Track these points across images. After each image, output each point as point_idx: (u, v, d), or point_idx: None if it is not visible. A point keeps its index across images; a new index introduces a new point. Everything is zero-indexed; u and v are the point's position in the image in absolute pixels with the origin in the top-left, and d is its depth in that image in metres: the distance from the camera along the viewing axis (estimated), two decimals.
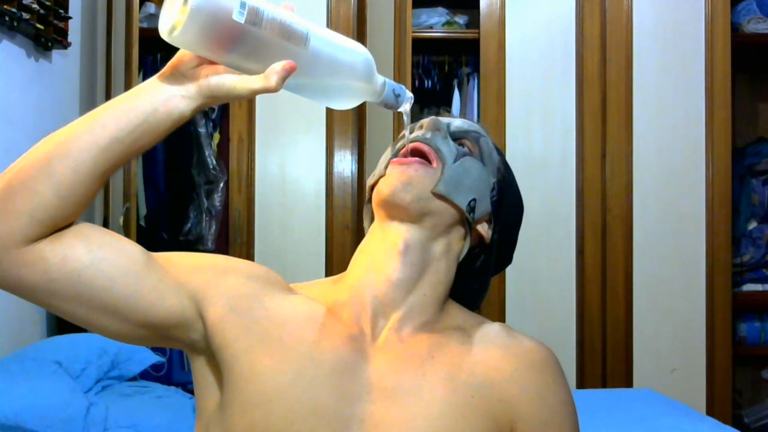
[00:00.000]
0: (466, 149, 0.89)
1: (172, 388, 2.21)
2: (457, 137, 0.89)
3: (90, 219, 2.80)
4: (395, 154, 0.87)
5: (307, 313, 0.84)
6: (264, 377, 0.78)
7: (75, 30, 2.59)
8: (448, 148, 0.86)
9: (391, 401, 0.79)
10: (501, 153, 0.96)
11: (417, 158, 0.84)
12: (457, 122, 0.92)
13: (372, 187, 0.87)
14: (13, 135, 2.23)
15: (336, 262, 2.78)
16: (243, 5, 0.65)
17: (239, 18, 0.65)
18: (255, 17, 0.66)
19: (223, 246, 2.99)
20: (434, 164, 0.84)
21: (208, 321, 0.80)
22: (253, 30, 0.67)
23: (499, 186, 0.93)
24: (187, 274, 0.80)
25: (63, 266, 0.71)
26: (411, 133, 0.89)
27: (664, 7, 2.85)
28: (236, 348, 0.79)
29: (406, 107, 0.82)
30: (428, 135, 0.86)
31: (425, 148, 0.85)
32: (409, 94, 0.82)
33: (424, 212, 0.83)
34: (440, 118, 0.90)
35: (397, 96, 0.80)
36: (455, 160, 0.85)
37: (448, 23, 3.08)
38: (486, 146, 0.91)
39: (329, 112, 2.83)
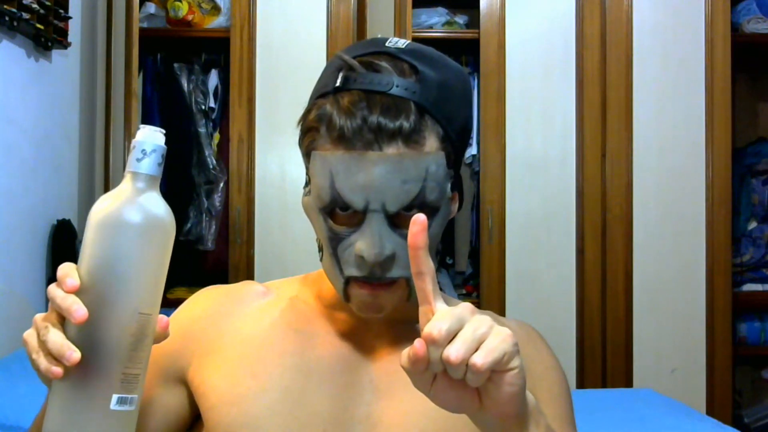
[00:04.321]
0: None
1: None
2: (408, 209, 0.74)
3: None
4: (353, 274, 0.75)
5: (286, 323, 0.83)
6: (248, 399, 0.78)
7: (75, 30, 2.59)
8: (405, 252, 0.70)
9: (387, 400, 0.79)
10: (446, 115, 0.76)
11: (381, 286, 0.75)
12: (391, 194, 0.72)
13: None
14: (13, 135, 2.23)
15: None
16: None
17: None
18: None
19: (223, 246, 2.99)
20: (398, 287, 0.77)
21: (193, 381, 0.83)
22: None
23: (452, 161, 0.77)
24: (163, 374, 0.83)
25: None
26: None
27: (664, 7, 2.85)
28: (214, 378, 0.80)
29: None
30: (377, 272, 0.74)
31: (384, 290, 0.76)
32: (143, 141, 0.66)
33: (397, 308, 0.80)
34: (377, 245, 0.72)
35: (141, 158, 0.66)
36: None
37: (448, 23, 3.08)
38: (432, 186, 0.73)
39: None
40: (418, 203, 0.73)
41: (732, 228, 2.88)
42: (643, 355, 2.81)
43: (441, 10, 3.08)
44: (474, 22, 3.04)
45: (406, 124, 0.71)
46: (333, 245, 0.75)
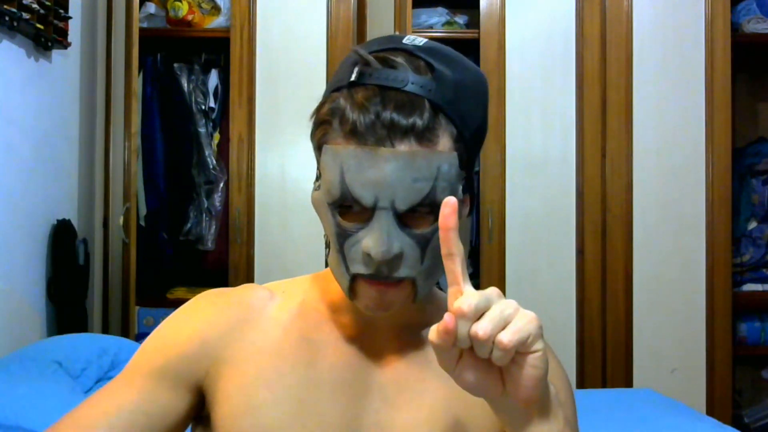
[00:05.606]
0: (429, 223, 0.73)
1: None
2: (414, 209, 0.72)
3: (90, 220, 2.80)
4: (359, 271, 0.74)
5: (297, 331, 0.82)
6: (262, 410, 0.77)
7: (75, 30, 2.59)
8: (413, 253, 0.73)
9: (395, 407, 0.79)
10: (462, 120, 0.74)
11: (387, 284, 0.74)
12: (401, 192, 0.70)
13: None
14: (13, 135, 2.23)
15: None
16: None
17: None
18: None
19: (223, 246, 2.99)
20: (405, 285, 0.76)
21: (208, 390, 0.82)
22: None
23: (465, 163, 0.76)
24: (175, 377, 0.81)
25: None
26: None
27: (664, 7, 2.85)
28: (229, 388, 0.80)
29: None
30: (384, 270, 0.72)
31: (390, 289, 0.74)
32: None
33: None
34: (385, 243, 0.71)
35: None
36: (423, 258, 0.74)
37: (448, 23, 3.08)
38: (443, 185, 0.72)
39: None
40: (429, 202, 0.71)
41: (732, 228, 2.88)
42: (643, 355, 2.81)
43: (441, 10, 3.08)
44: (474, 22, 3.04)
45: (419, 122, 0.70)
46: (340, 241, 0.74)
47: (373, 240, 0.71)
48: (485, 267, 2.81)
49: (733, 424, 2.55)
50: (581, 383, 2.80)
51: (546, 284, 2.82)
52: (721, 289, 2.81)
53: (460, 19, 3.11)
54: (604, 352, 2.81)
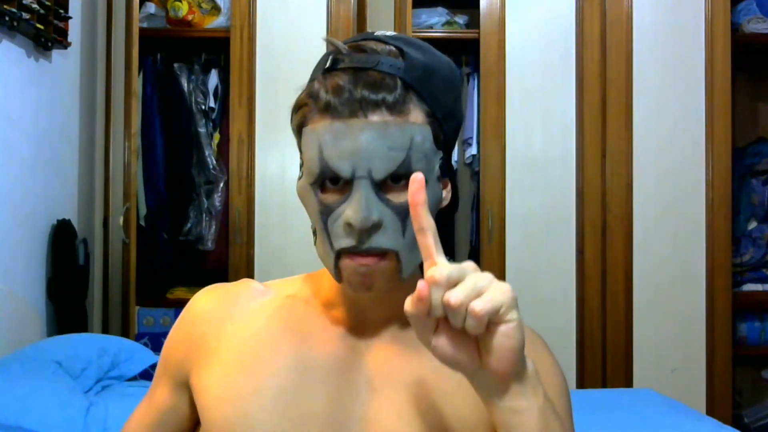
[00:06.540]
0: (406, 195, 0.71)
1: None
2: (392, 179, 0.74)
3: (90, 219, 2.80)
4: (342, 245, 0.74)
5: (282, 322, 0.83)
6: (243, 397, 0.78)
7: (75, 30, 2.59)
8: (393, 224, 0.73)
9: (382, 399, 0.79)
10: (434, 99, 0.76)
11: (371, 257, 0.74)
12: (377, 160, 0.72)
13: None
14: (13, 135, 2.23)
15: None
16: None
17: None
18: None
19: (223, 246, 2.99)
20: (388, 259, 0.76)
21: (192, 383, 0.86)
22: None
23: (441, 143, 0.78)
24: (174, 381, 0.88)
25: None
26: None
27: (664, 7, 2.85)
28: (211, 378, 0.82)
29: None
30: (364, 241, 0.73)
31: (372, 261, 0.74)
32: None
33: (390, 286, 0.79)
34: (364, 210, 0.71)
35: None
36: (404, 231, 0.74)
37: (448, 23, 3.08)
38: (418, 156, 0.74)
39: None
40: (404, 171, 0.73)
41: (732, 228, 2.88)
42: (643, 355, 2.81)
43: (441, 10, 3.08)
44: (474, 22, 3.04)
45: (389, 96, 0.72)
46: (324, 219, 0.76)
47: (353, 209, 0.72)
48: (485, 267, 2.79)
49: (733, 424, 2.55)
50: (581, 383, 2.80)
51: (546, 284, 2.82)
52: (721, 289, 2.81)
53: (460, 19, 3.11)
54: (604, 352, 2.82)
